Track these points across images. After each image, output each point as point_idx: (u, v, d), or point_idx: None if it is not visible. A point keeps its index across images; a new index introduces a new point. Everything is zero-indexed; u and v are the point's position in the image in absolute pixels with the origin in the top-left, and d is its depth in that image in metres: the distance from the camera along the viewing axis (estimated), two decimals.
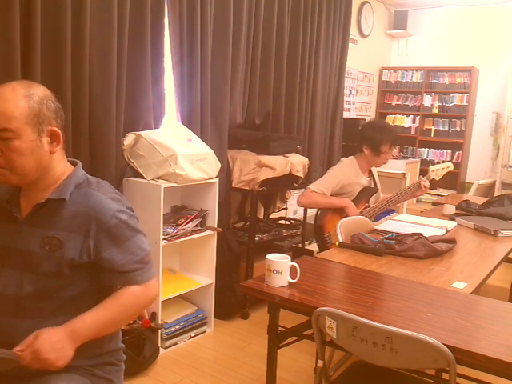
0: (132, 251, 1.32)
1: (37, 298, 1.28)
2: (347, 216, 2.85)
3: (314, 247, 3.56)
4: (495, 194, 5.18)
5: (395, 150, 3.11)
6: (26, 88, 1.22)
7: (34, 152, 1.23)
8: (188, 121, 2.98)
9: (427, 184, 3.03)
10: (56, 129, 1.27)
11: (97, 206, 1.29)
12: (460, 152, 5.71)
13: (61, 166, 1.33)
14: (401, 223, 2.68)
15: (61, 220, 1.28)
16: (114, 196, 1.34)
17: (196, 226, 2.84)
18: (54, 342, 1.20)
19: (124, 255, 1.30)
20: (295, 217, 4.24)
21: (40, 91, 1.25)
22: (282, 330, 1.77)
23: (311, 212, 3.33)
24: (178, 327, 2.82)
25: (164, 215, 2.69)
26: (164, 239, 2.63)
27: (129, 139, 2.65)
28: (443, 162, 5.74)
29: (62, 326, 1.24)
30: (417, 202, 5.41)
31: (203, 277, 2.98)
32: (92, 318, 1.28)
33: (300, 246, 3.71)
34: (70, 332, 1.24)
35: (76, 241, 1.27)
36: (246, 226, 3.47)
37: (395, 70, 6.00)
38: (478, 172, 5.79)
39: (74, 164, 1.39)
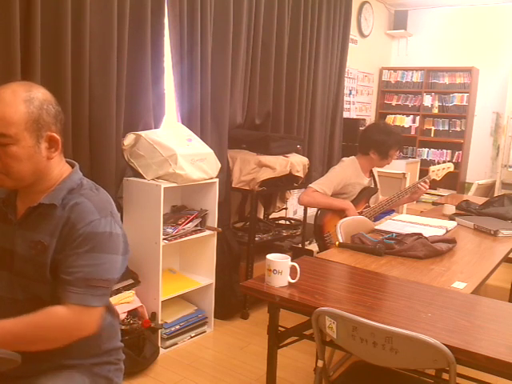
0: (84, 265, 1.21)
1: (31, 302, 1.27)
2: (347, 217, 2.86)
3: (314, 247, 3.56)
4: (495, 194, 5.18)
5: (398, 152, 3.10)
6: (26, 91, 1.19)
7: (32, 158, 1.21)
8: (188, 121, 2.98)
9: (427, 185, 3.03)
10: (55, 134, 1.23)
11: (78, 211, 1.24)
12: (460, 152, 5.71)
13: (58, 169, 1.29)
14: (401, 223, 2.68)
15: (48, 225, 1.25)
16: (101, 205, 1.27)
17: (196, 225, 2.84)
18: None
19: (75, 264, 1.21)
20: (295, 217, 4.25)
21: (41, 95, 1.21)
22: (282, 329, 1.77)
23: (311, 212, 3.33)
24: (178, 327, 2.82)
25: (164, 215, 2.69)
26: (164, 239, 2.63)
27: (129, 139, 2.65)
28: (444, 162, 5.74)
29: None
30: (417, 202, 5.40)
31: (203, 277, 2.98)
32: (3, 329, 1.17)
33: (300, 246, 3.71)
34: None
35: (54, 244, 1.24)
36: (246, 226, 3.47)
37: (395, 69, 6.00)
38: (478, 172, 5.79)
39: (72, 165, 1.35)
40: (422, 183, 3.02)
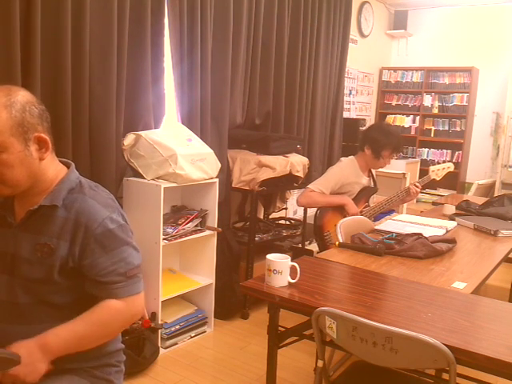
0: (115, 262, 1.26)
1: (31, 304, 1.27)
2: (347, 214, 2.86)
3: (314, 247, 3.56)
4: (495, 194, 5.18)
5: (395, 156, 3.09)
6: (5, 96, 1.17)
7: (23, 162, 1.20)
8: (188, 121, 2.98)
9: (418, 188, 3.02)
10: (43, 135, 1.22)
11: (86, 212, 1.25)
12: (460, 152, 5.71)
13: (52, 169, 1.29)
14: (401, 223, 2.68)
15: (53, 226, 1.25)
16: (105, 202, 1.30)
17: (196, 226, 2.84)
18: (23, 357, 1.16)
19: (106, 265, 1.25)
20: (295, 217, 4.24)
21: (21, 97, 1.19)
22: (282, 329, 1.77)
23: (311, 212, 3.34)
24: (178, 327, 2.82)
25: (164, 215, 2.69)
26: (164, 239, 2.63)
27: (129, 139, 2.65)
28: (444, 162, 5.74)
29: (33, 339, 1.20)
30: (417, 201, 5.41)
31: (203, 277, 2.98)
32: (66, 332, 1.23)
33: (300, 246, 3.71)
34: (42, 345, 1.20)
35: (64, 248, 1.24)
36: (246, 226, 3.47)
37: (395, 70, 6.00)
38: (478, 172, 5.79)
39: (66, 165, 1.35)
40: (414, 185, 3.01)
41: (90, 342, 1.28)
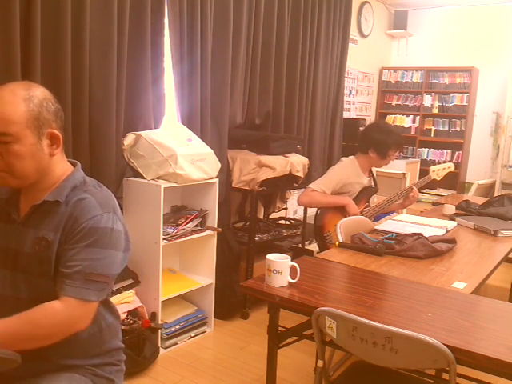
0: (83, 259, 1.22)
1: (35, 300, 1.26)
2: (347, 215, 2.86)
3: (314, 247, 3.56)
4: (495, 194, 5.18)
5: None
6: (25, 90, 1.21)
7: (34, 156, 1.22)
8: (188, 121, 2.98)
9: (416, 194, 3.03)
10: (56, 131, 1.25)
11: (80, 206, 1.25)
12: (460, 152, 5.71)
13: (60, 167, 1.31)
14: (401, 223, 2.68)
15: (52, 221, 1.26)
16: (104, 202, 1.29)
17: (196, 226, 2.84)
18: None
19: (74, 258, 1.22)
20: (295, 217, 4.25)
21: (40, 93, 1.23)
22: (282, 329, 1.77)
23: (311, 212, 3.34)
24: (178, 327, 2.82)
25: (164, 215, 2.69)
26: (164, 239, 2.63)
27: (129, 139, 2.65)
28: (444, 162, 5.74)
29: None
30: (417, 202, 5.40)
31: (203, 277, 2.98)
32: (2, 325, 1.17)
33: (300, 246, 3.71)
34: None
35: (57, 239, 1.25)
36: (246, 226, 3.47)
37: (395, 69, 6.00)
38: (478, 172, 5.78)
39: (74, 165, 1.37)
40: (412, 189, 3.02)
41: (23, 342, 1.19)
